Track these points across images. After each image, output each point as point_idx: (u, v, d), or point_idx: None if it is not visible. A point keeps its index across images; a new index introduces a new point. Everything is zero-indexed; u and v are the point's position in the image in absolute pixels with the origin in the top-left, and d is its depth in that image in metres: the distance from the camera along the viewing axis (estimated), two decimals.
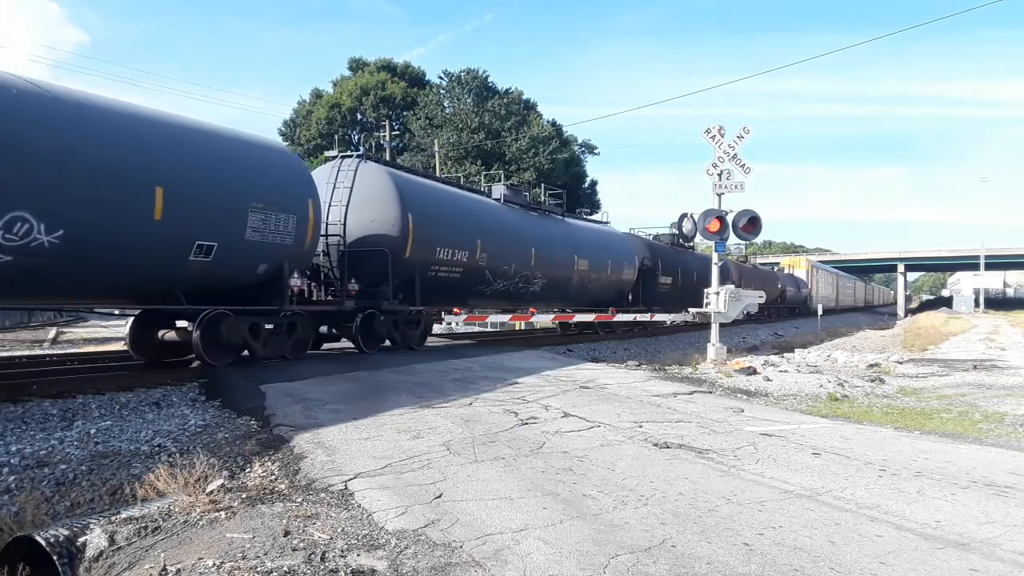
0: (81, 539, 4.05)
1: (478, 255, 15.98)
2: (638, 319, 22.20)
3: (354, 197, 13.70)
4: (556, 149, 49.81)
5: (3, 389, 8.33)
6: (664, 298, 25.16)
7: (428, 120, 49.59)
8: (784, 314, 44.93)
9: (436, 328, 24.68)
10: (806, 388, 11.22)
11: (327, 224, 13.26)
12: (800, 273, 52.21)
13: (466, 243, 15.61)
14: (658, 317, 22.75)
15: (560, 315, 21.01)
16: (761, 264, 53.75)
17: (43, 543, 3.96)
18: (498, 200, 18.46)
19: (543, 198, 23.56)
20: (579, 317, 20.56)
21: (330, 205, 13.59)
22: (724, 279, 28.50)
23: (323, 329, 13.54)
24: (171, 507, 4.53)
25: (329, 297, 13.33)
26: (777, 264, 55.99)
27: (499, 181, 21.72)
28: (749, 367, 13.32)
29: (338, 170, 14.09)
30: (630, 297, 23.97)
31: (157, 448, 6.54)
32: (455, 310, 16.45)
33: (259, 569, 3.63)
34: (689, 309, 17.47)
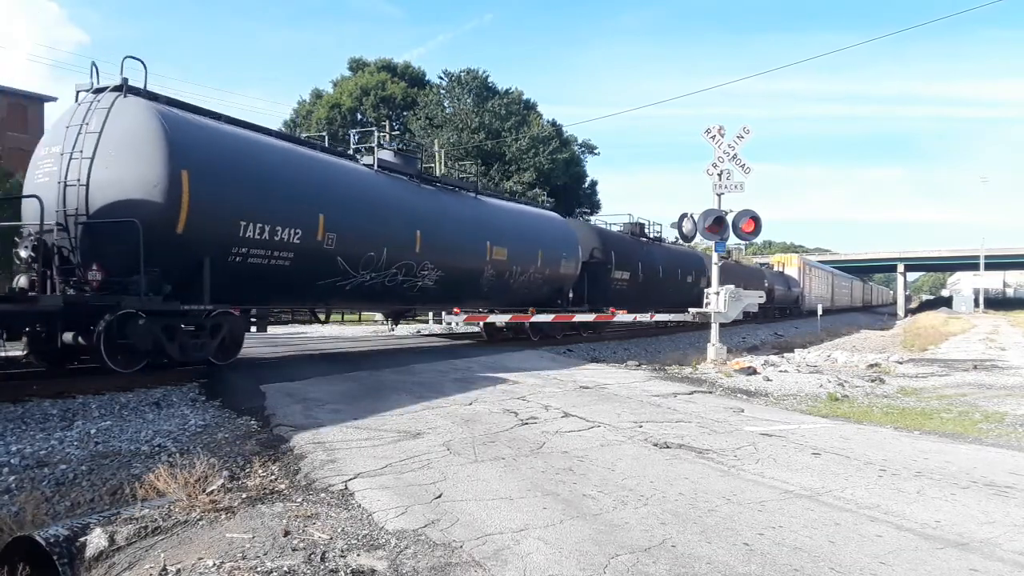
0: (81, 539, 4.05)
1: (320, 235, 11.79)
2: (638, 319, 21.96)
3: (102, 146, 9.59)
4: (556, 149, 49.83)
5: (3, 389, 8.33)
6: (619, 296, 21.90)
7: (428, 120, 49.62)
8: (774, 315, 41.17)
9: (436, 328, 24.13)
10: (806, 388, 11.22)
11: (64, 184, 9.65)
12: (791, 271, 48.50)
13: (298, 218, 11.40)
14: (659, 317, 22.66)
15: (518, 315, 17.59)
16: (760, 263, 50.10)
17: (43, 543, 3.96)
18: (369, 166, 14.24)
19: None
20: (538, 317, 17.43)
21: (70, 158, 9.70)
22: (699, 277, 27.90)
23: (68, 337, 9.27)
24: (171, 507, 4.53)
25: (71, 290, 9.51)
26: (767, 262, 51.45)
27: (388, 146, 16.80)
28: (749, 367, 13.32)
29: (89, 109, 9.94)
30: (571, 295, 20.55)
31: (157, 448, 6.54)
32: (455, 310, 16.15)
33: (259, 569, 3.63)
34: (689, 309, 17.46)
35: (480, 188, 18.82)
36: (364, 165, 14.31)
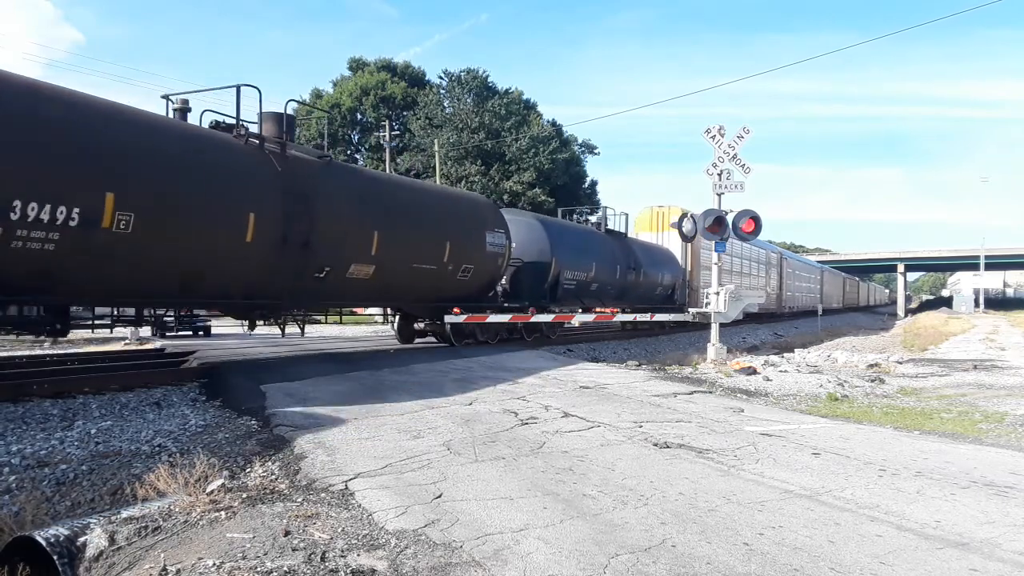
0: (81, 539, 4.05)
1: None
2: (638, 319, 21.98)
3: None
4: (556, 149, 49.86)
5: (3, 389, 8.33)
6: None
7: (428, 120, 49.63)
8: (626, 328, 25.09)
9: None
10: (806, 388, 11.23)
11: None
12: (674, 240, 26.55)
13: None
14: (659, 317, 22.65)
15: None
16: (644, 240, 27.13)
17: (43, 543, 3.96)
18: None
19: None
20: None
21: None
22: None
23: None
24: (171, 507, 4.53)
25: None
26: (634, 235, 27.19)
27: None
28: (749, 367, 13.33)
29: None
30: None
31: (158, 448, 6.54)
32: (455, 310, 16.17)
33: (259, 569, 3.63)
34: (689, 309, 17.50)
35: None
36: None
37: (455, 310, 15.30)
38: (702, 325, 18.30)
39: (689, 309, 18.05)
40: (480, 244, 15.77)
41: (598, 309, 20.82)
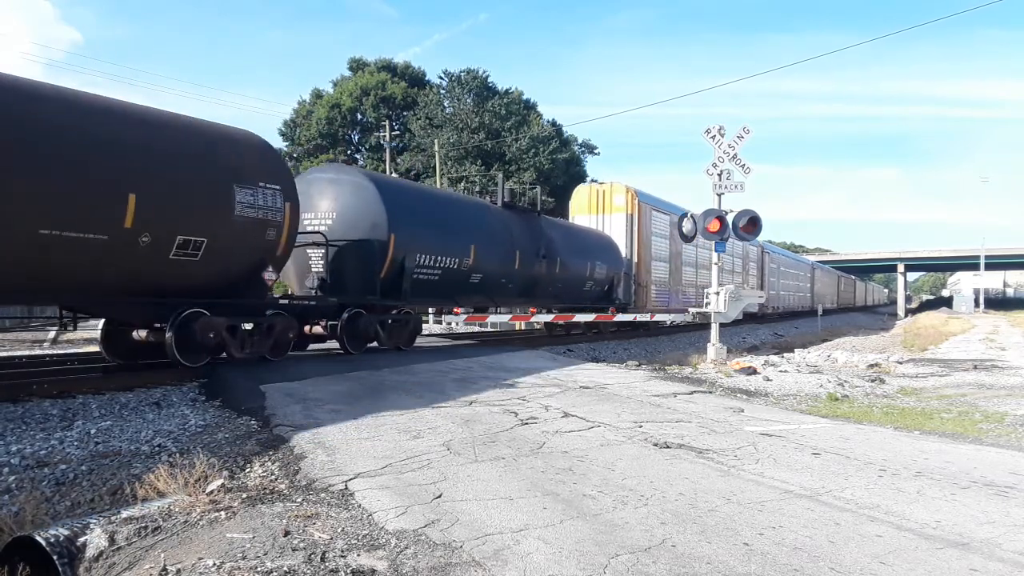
0: (81, 539, 4.05)
1: None
2: (632, 319, 21.82)
3: None
4: (556, 149, 49.83)
5: (3, 389, 8.33)
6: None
7: (428, 120, 49.62)
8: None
9: (436, 328, 23.05)
10: (806, 388, 11.22)
11: None
12: (617, 225, 22.77)
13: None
14: (659, 317, 22.60)
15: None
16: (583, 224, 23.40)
17: (43, 543, 3.96)
18: None
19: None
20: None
21: None
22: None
23: None
24: (171, 507, 4.53)
25: None
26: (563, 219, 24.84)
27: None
28: (749, 367, 13.33)
29: None
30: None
31: (157, 448, 6.54)
32: (455, 310, 16.07)
33: (259, 569, 3.63)
34: (689, 309, 17.47)
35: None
36: None
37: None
38: (702, 325, 18.14)
39: (689, 309, 17.65)
40: (222, 204, 10.02)
41: (613, 309, 18.51)
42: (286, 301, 12.43)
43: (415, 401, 8.68)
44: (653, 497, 4.97)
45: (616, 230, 23.00)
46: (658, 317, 22.30)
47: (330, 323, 12.77)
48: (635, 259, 22.99)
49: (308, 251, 13.50)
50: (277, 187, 10.88)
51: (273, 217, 10.81)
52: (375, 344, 13.88)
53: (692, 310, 17.06)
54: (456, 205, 16.46)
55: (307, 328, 12.71)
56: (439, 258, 14.38)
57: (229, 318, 10.55)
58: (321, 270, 13.43)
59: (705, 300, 16.10)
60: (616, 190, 23.33)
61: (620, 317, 20.26)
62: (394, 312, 14.27)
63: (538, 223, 18.76)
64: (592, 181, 23.85)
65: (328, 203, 13.53)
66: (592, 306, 20.55)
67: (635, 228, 22.67)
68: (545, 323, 19.47)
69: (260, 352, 11.33)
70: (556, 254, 18.85)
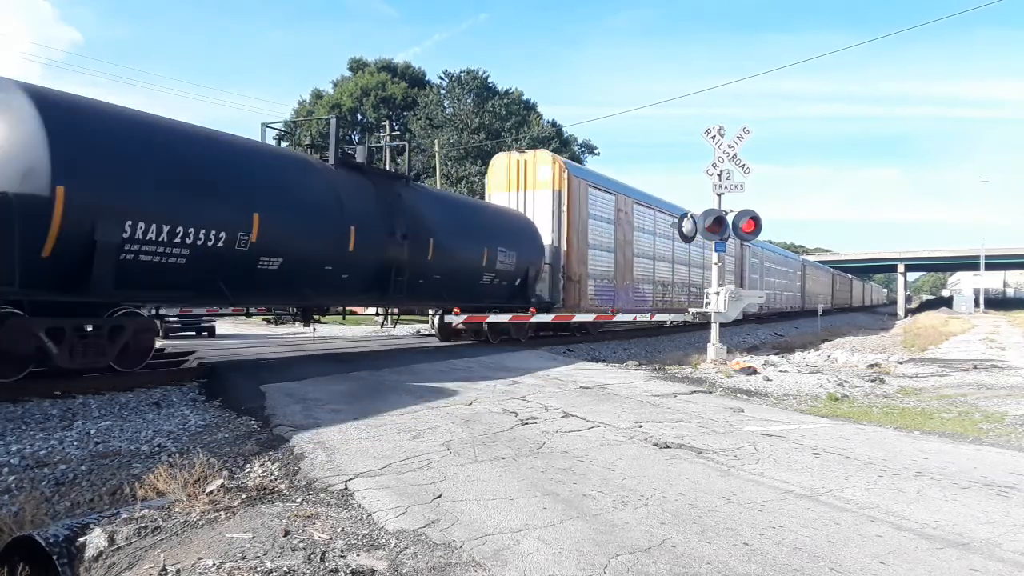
0: (81, 539, 4.05)
1: None
2: (638, 319, 21.78)
3: None
4: (556, 149, 49.82)
5: (3, 389, 8.33)
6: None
7: (428, 120, 49.65)
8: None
9: (426, 328, 21.87)
10: (806, 388, 11.22)
11: None
12: (542, 200, 18.85)
13: None
14: (659, 317, 22.58)
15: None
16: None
17: (43, 543, 3.95)
18: None
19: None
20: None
21: None
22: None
23: None
24: (171, 507, 4.53)
25: None
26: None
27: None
28: (749, 367, 13.32)
29: None
30: None
31: (157, 448, 6.54)
32: (455, 310, 16.10)
33: (259, 569, 3.63)
34: (689, 309, 17.44)
35: None
36: None
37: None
38: (702, 325, 17.98)
39: (689, 309, 17.13)
40: None
41: (613, 309, 15.95)
42: None
43: (415, 401, 8.68)
44: (653, 497, 4.97)
45: (541, 211, 18.52)
46: (659, 317, 22.32)
47: None
48: (563, 247, 18.40)
49: None
50: None
51: None
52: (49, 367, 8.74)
53: (692, 310, 17.03)
54: (223, 152, 10.66)
55: None
56: (184, 230, 9.37)
57: None
58: None
59: (705, 300, 16.10)
60: (541, 158, 19.07)
61: (538, 318, 15.73)
62: (107, 315, 9.32)
63: (400, 192, 13.92)
64: (513, 151, 19.98)
65: None
66: (502, 305, 16.52)
67: (563, 208, 17.88)
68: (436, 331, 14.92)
69: None
70: (429, 235, 14.08)
